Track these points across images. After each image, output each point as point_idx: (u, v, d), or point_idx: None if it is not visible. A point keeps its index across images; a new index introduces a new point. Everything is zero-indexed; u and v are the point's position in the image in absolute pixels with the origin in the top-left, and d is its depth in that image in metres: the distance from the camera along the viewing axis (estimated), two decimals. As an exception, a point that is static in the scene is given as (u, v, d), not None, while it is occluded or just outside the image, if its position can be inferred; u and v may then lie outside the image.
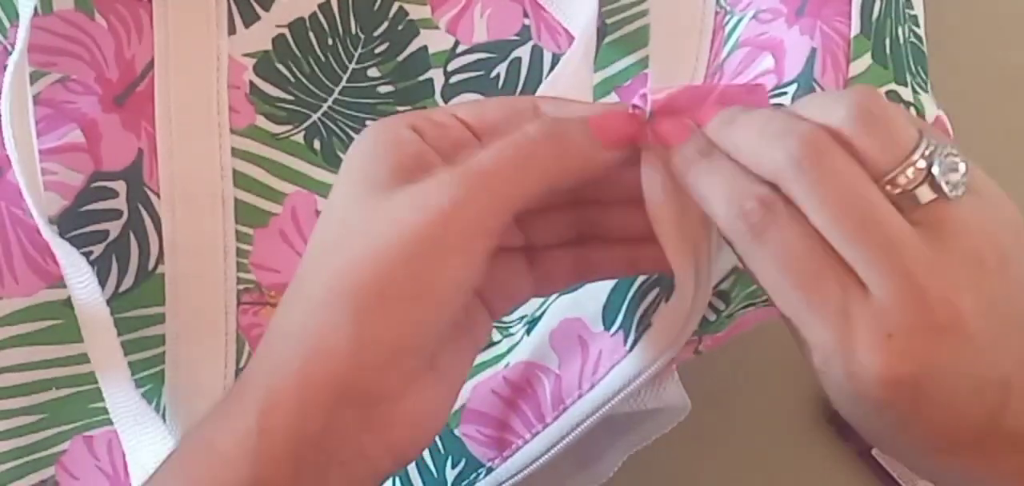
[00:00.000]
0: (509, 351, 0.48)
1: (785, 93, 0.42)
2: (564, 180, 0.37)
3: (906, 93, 0.43)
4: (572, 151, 0.36)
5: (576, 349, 0.44)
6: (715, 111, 0.36)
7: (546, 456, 0.45)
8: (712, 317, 0.42)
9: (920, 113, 0.43)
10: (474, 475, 0.46)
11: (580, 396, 0.44)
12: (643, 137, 0.37)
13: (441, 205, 0.35)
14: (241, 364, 0.52)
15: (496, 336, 0.49)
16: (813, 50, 0.42)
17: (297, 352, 0.35)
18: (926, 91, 0.45)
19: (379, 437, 0.36)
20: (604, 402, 0.43)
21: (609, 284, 0.45)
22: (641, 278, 0.44)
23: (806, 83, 0.42)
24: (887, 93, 0.42)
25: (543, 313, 0.47)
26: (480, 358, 0.48)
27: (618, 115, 0.38)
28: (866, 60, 0.42)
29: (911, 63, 0.45)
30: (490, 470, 0.46)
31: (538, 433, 0.45)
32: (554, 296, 0.47)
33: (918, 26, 0.47)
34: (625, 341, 0.43)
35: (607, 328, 0.44)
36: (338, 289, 0.35)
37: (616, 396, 0.43)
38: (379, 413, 0.36)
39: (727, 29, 0.49)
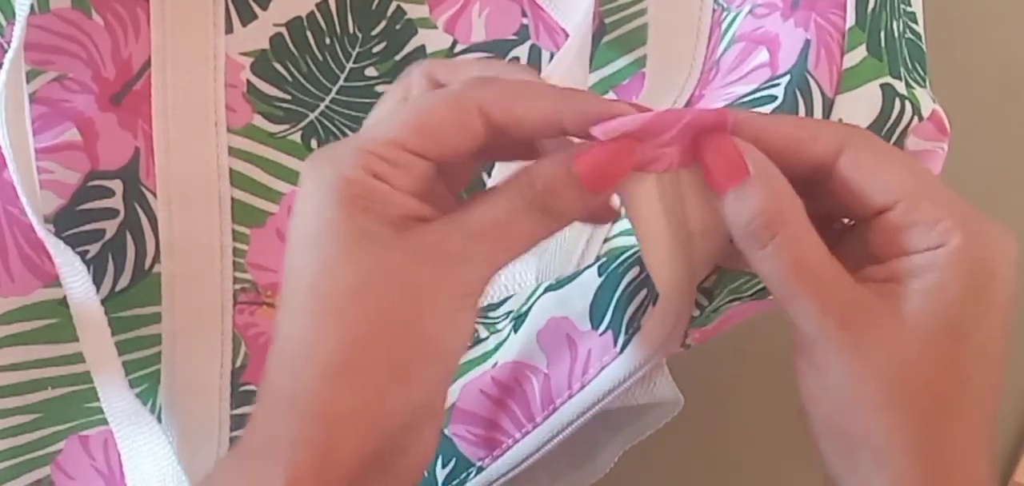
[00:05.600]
0: (497, 348, 0.48)
1: (778, 84, 0.42)
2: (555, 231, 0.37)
3: (900, 86, 0.42)
4: (564, 211, 0.36)
5: (564, 348, 0.44)
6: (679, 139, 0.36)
7: (536, 455, 0.44)
8: (696, 312, 0.42)
9: (915, 107, 0.43)
10: (464, 474, 0.46)
11: (570, 396, 0.43)
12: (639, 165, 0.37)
13: (452, 266, 0.35)
14: (237, 364, 0.52)
15: (483, 332, 0.49)
16: (807, 42, 0.42)
17: (317, 427, 0.34)
18: (924, 86, 0.45)
19: (388, 481, 0.36)
20: (594, 403, 0.43)
21: (595, 282, 0.44)
22: (628, 278, 0.43)
23: (799, 75, 0.42)
24: (881, 86, 0.42)
25: (529, 308, 0.47)
26: (468, 356, 0.48)
27: (608, 157, 0.36)
28: (861, 52, 0.42)
29: (907, 57, 0.44)
30: (480, 469, 0.46)
31: (528, 433, 0.45)
32: (540, 292, 0.47)
33: (915, 22, 0.46)
34: (615, 342, 0.42)
35: (595, 327, 0.43)
36: (352, 361, 0.34)
37: (606, 397, 0.43)
38: (391, 465, 0.36)
39: (723, 26, 0.49)
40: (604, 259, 0.46)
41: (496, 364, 0.47)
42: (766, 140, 0.36)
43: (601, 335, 0.43)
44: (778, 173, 0.36)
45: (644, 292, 0.42)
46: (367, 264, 0.34)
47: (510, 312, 0.50)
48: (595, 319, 0.44)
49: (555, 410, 0.44)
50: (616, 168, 0.36)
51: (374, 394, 0.34)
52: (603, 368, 0.43)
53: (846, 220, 0.39)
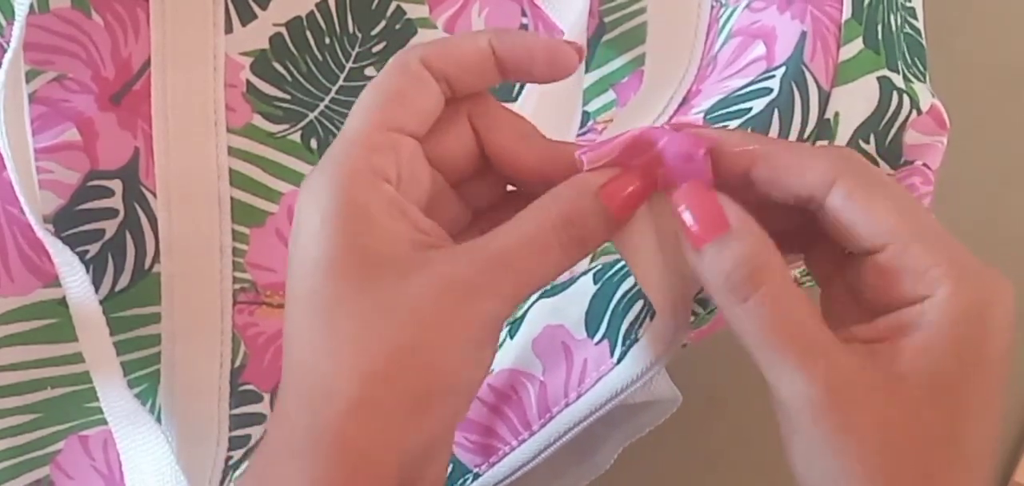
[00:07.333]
0: (493, 353, 0.48)
1: (773, 76, 0.42)
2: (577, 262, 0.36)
3: (898, 79, 0.42)
4: (590, 241, 0.36)
5: (560, 356, 0.44)
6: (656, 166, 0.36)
7: (533, 462, 0.44)
8: (692, 318, 0.42)
9: (913, 101, 0.42)
10: (461, 480, 0.46)
11: (567, 405, 0.43)
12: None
13: (474, 300, 0.34)
14: (236, 363, 0.52)
15: None
16: (803, 33, 0.42)
17: (339, 467, 0.32)
18: (923, 81, 0.45)
19: None
20: (591, 412, 0.43)
21: (590, 291, 0.44)
22: (624, 288, 0.43)
23: (795, 67, 0.42)
24: (879, 79, 0.42)
25: (524, 314, 0.47)
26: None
27: (632, 184, 0.36)
28: (857, 45, 0.42)
29: (905, 52, 0.44)
30: (477, 476, 0.45)
31: (524, 440, 0.44)
32: (535, 298, 0.47)
33: (915, 18, 0.46)
34: (611, 352, 0.42)
35: (591, 336, 0.43)
36: (372, 397, 0.33)
37: (603, 407, 0.42)
38: None
39: (721, 22, 0.49)
40: (598, 267, 0.45)
41: (493, 371, 0.47)
42: (756, 169, 0.35)
43: (597, 344, 0.43)
44: (758, 227, 0.34)
45: (641, 303, 0.42)
46: (384, 294, 0.33)
47: (505, 316, 0.49)
48: (591, 328, 0.44)
49: (552, 418, 0.44)
50: (641, 195, 0.36)
51: (394, 430, 0.33)
52: (600, 378, 0.42)
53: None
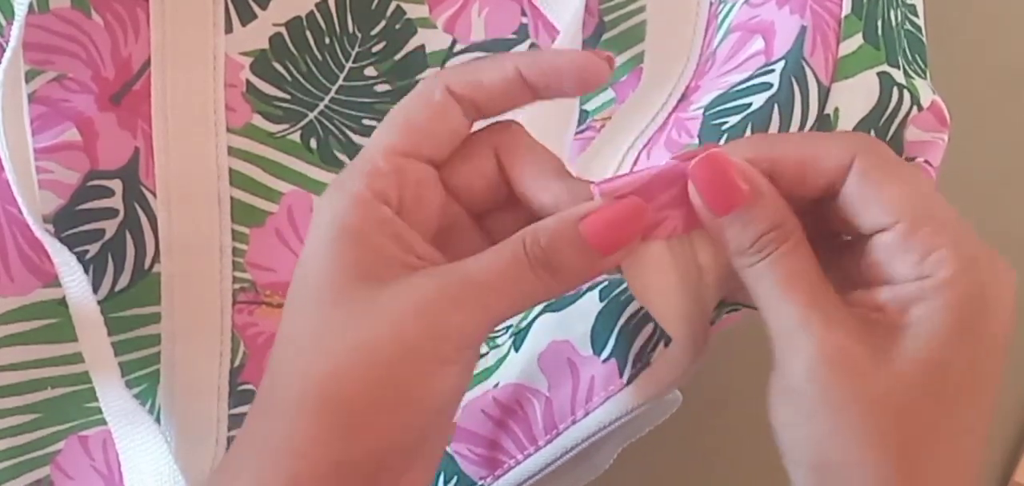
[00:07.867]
0: (497, 365, 0.48)
1: (772, 71, 0.42)
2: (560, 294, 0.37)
3: (898, 75, 0.42)
4: (569, 271, 0.36)
5: (566, 372, 0.44)
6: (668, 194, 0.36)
7: (539, 475, 0.44)
8: None
9: (914, 97, 0.42)
10: None
11: (574, 422, 0.43)
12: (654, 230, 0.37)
13: (443, 315, 0.34)
14: (235, 363, 0.52)
15: (483, 348, 0.49)
16: (803, 28, 0.42)
17: (282, 466, 0.34)
18: (924, 77, 0.44)
19: None
20: (598, 430, 0.43)
21: (595, 307, 0.44)
22: (631, 308, 0.43)
23: (795, 62, 0.41)
24: (879, 74, 0.42)
25: (528, 326, 0.47)
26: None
27: (617, 217, 0.36)
28: (857, 40, 0.42)
29: (906, 48, 0.44)
30: None
31: (530, 455, 0.44)
32: (538, 310, 0.47)
33: (916, 15, 0.46)
34: (620, 373, 0.42)
35: (597, 353, 0.43)
36: (322, 398, 0.34)
37: (611, 425, 0.42)
38: None
39: (720, 18, 0.49)
40: (604, 283, 0.45)
41: (498, 384, 0.47)
42: (780, 166, 0.36)
43: (604, 362, 0.43)
44: (775, 190, 0.35)
45: (652, 326, 0.42)
46: (355, 303, 0.34)
47: (510, 326, 0.49)
48: (597, 345, 0.43)
49: (558, 434, 0.44)
50: (626, 229, 0.36)
51: (338, 437, 0.34)
52: (608, 397, 0.42)
53: (845, 237, 0.38)
